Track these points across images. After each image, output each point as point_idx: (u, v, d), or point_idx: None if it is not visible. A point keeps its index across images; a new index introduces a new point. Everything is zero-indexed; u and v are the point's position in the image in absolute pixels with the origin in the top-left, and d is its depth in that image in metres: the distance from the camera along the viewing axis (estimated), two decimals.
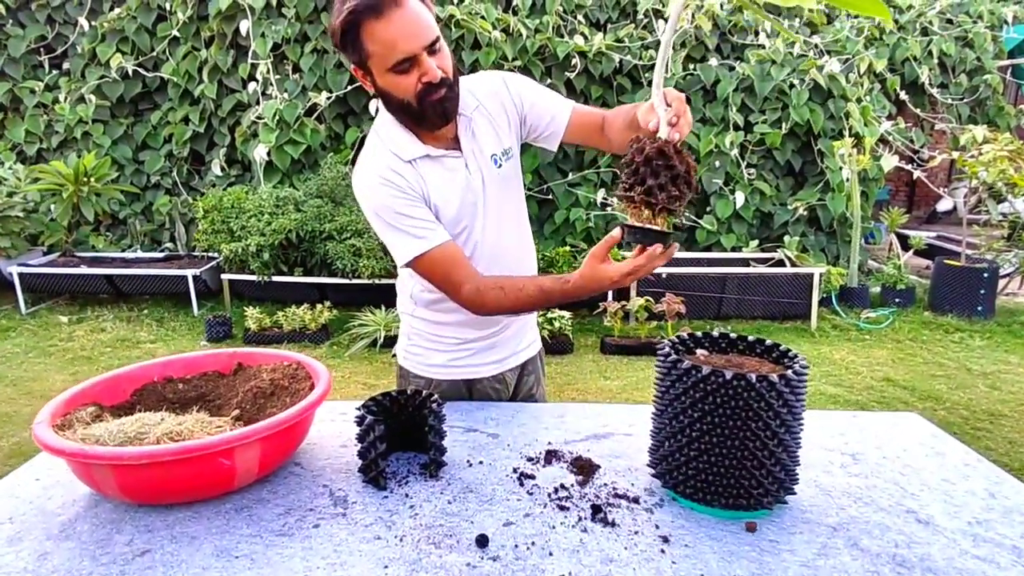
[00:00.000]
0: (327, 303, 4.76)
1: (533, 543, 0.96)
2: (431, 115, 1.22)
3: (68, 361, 4.25)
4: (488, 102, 1.35)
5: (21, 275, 5.11)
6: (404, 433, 1.22)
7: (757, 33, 5.75)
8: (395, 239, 1.27)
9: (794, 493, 1.05)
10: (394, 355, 1.61)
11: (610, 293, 4.86)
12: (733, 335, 1.18)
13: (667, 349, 1.09)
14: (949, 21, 6.57)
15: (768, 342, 1.14)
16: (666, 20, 5.67)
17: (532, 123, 1.40)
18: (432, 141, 1.30)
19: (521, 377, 1.59)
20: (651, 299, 4.44)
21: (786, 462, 1.01)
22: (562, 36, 5.51)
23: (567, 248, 5.11)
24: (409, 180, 1.27)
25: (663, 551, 0.94)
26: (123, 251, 5.87)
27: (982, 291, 5.04)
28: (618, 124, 1.31)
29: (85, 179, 5.29)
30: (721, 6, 5.63)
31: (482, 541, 0.95)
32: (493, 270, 1.35)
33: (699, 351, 1.18)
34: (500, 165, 1.36)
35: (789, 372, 0.99)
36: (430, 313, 1.45)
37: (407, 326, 1.54)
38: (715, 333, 1.19)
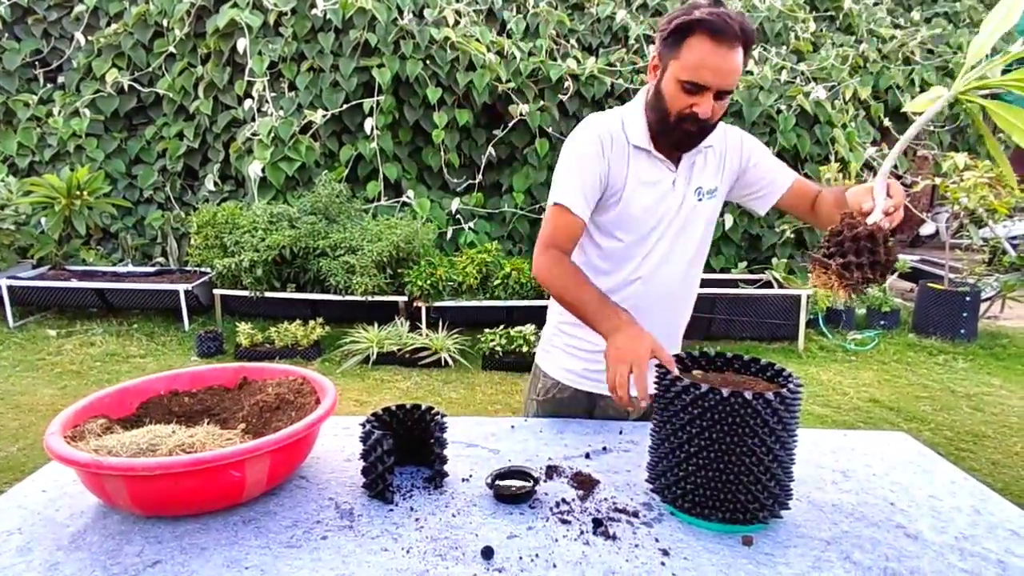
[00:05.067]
0: (319, 319, 4.76)
1: (537, 555, 0.98)
2: (670, 135, 1.32)
3: (56, 375, 4.21)
4: (720, 145, 1.45)
5: (10, 288, 5.07)
6: (404, 447, 1.24)
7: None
8: (562, 179, 1.37)
9: (788, 508, 1.09)
10: (533, 352, 1.63)
11: None
12: (729, 354, 1.22)
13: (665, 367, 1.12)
14: (930, 51, 6.78)
15: (763, 361, 1.18)
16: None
17: (751, 179, 1.49)
18: (659, 146, 1.38)
19: None
20: None
21: (781, 477, 1.04)
22: (555, 59, 5.62)
23: None
24: (616, 152, 1.36)
25: (663, 564, 0.97)
26: (114, 265, 5.84)
27: (965, 314, 5.13)
28: (828, 201, 1.39)
29: (78, 192, 5.28)
30: None
31: (487, 553, 0.98)
32: (650, 287, 1.44)
33: (696, 370, 1.22)
34: (701, 199, 1.44)
35: (784, 390, 1.03)
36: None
37: (552, 325, 1.58)
38: (711, 352, 1.23)
